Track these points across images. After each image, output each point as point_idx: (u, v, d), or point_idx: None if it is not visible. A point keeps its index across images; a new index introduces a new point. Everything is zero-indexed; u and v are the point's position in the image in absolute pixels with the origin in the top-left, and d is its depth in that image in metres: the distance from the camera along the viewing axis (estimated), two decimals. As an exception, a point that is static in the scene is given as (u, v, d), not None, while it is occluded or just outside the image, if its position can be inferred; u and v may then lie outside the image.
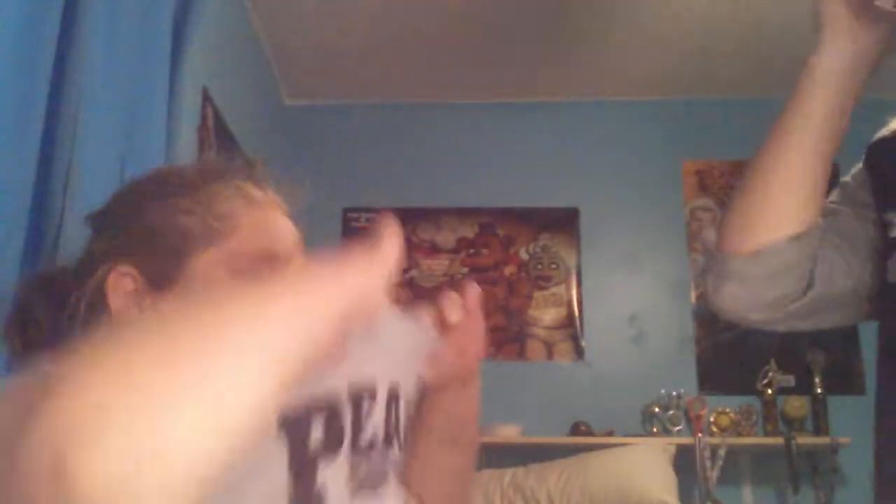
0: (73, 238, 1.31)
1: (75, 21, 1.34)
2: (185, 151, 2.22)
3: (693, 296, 3.51)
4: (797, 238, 0.93)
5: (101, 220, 0.85)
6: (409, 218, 3.65)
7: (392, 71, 3.56)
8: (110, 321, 0.76)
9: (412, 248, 3.62)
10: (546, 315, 3.54)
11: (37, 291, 0.81)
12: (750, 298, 0.97)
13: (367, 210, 3.66)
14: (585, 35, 3.28)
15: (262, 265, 0.79)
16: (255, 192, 0.84)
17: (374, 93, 3.71)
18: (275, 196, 0.85)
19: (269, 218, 0.83)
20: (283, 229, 0.83)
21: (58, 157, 1.31)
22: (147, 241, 0.78)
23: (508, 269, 3.61)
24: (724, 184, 3.62)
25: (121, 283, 0.77)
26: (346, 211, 3.65)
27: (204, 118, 2.52)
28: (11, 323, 0.80)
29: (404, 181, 3.68)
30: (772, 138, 0.95)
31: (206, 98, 2.54)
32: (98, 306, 0.77)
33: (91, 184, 1.35)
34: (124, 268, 0.77)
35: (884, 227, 0.93)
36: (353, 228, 3.64)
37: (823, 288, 0.96)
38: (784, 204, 0.93)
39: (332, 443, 0.74)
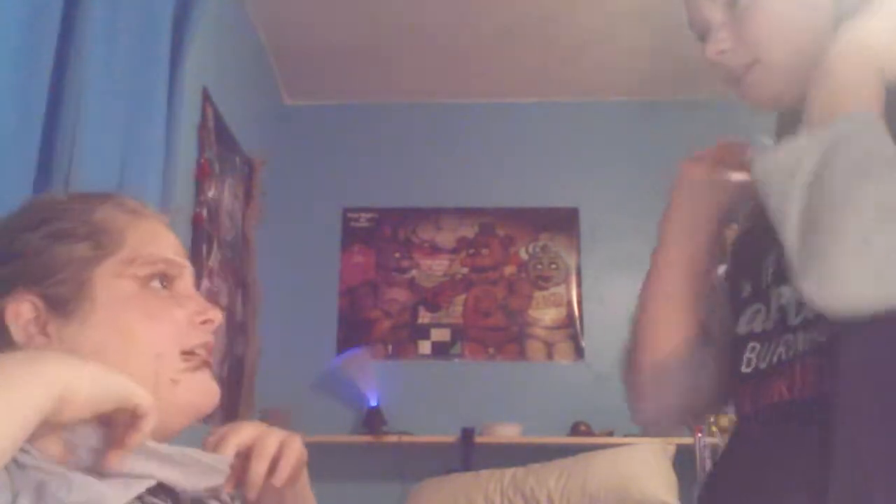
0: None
1: (75, 21, 1.34)
2: (185, 151, 2.22)
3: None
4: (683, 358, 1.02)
5: None
6: (409, 218, 3.65)
7: (392, 71, 3.56)
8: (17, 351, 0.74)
9: (412, 248, 3.62)
10: (546, 315, 3.54)
11: None
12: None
13: (367, 210, 3.66)
14: (586, 35, 3.28)
15: (160, 270, 0.80)
16: (135, 205, 0.84)
17: (374, 93, 3.71)
18: (154, 210, 0.86)
19: (154, 227, 0.84)
20: (168, 238, 0.84)
21: (58, 157, 1.31)
22: (38, 269, 0.77)
23: (508, 269, 3.61)
24: (724, 184, 3.62)
25: (20, 311, 0.75)
26: (346, 211, 3.65)
27: (204, 118, 2.52)
28: None
29: (404, 181, 3.68)
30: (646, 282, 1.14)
31: (206, 98, 2.54)
32: (2, 339, 0.74)
33: (91, 184, 1.35)
34: (22, 296, 0.75)
35: (738, 293, 1.01)
36: (353, 228, 3.64)
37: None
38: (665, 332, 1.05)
39: None
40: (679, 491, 2.95)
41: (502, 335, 3.51)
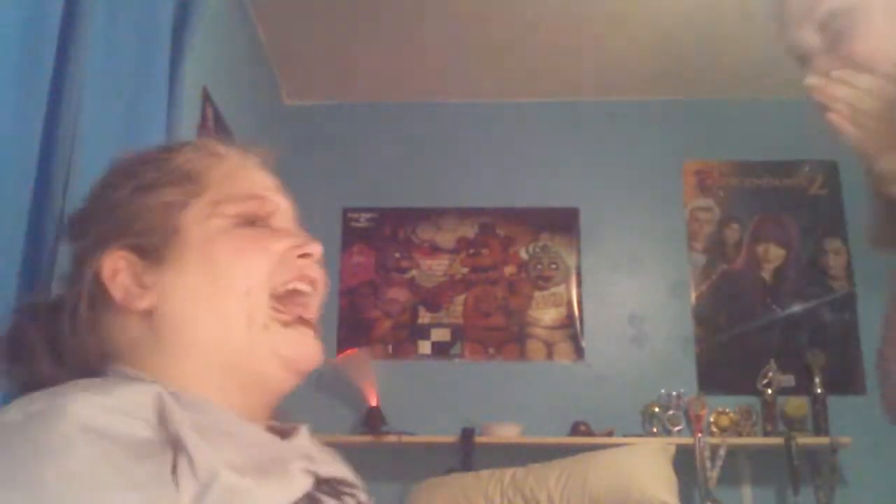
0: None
1: (75, 21, 1.34)
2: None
3: (693, 296, 3.51)
4: None
5: (80, 223, 0.83)
6: (409, 218, 3.65)
7: (391, 71, 3.56)
8: (118, 309, 0.74)
9: (412, 248, 3.62)
10: (546, 315, 3.54)
11: (29, 318, 0.77)
12: None
13: (367, 210, 3.66)
14: (586, 35, 3.28)
15: (250, 208, 0.78)
16: (221, 148, 0.83)
17: (374, 93, 3.71)
18: (244, 150, 0.84)
19: (240, 167, 0.82)
20: (257, 175, 0.83)
21: (58, 157, 1.31)
22: (128, 222, 0.76)
23: (508, 269, 3.61)
24: (725, 184, 3.63)
25: (116, 268, 0.75)
26: (346, 211, 3.65)
27: (204, 118, 2.52)
28: (3, 353, 0.76)
29: (404, 181, 3.68)
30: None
31: (206, 98, 2.54)
32: (100, 301, 0.74)
33: (91, 184, 1.35)
34: (115, 253, 0.75)
35: None
36: (353, 228, 3.64)
37: None
38: None
39: None
40: (679, 491, 2.95)
41: (502, 335, 3.51)
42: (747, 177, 3.62)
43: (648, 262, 3.57)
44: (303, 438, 0.79)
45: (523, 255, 3.62)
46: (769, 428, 3.27)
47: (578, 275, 3.58)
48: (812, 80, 0.97)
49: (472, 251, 3.63)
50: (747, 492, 3.26)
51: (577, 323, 3.53)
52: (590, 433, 3.23)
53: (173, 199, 0.76)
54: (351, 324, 3.51)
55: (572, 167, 3.67)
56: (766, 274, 3.51)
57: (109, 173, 0.83)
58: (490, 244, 3.64)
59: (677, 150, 3.64)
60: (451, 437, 3.20)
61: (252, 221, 0.78)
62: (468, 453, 3.17)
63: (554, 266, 3.61)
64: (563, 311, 3.55)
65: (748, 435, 3.25)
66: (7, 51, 1.18)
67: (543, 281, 3.59)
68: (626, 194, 3.62)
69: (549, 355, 3.50)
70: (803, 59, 1.01)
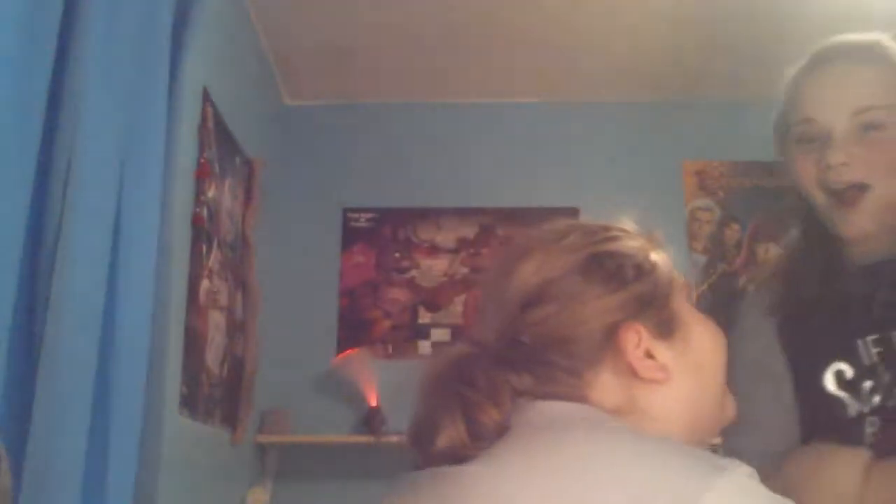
0: (74, 238, 1.31)
1: (75, 21, 1.34)
2: (185, 151, 2.22)
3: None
4: None
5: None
6: (409, 218, 3.65)
7: (392, 71, 3.56)
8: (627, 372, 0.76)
9: (412, 248, 3.62)
10: (546, 315, 3.54)
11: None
12: None
13: (367, 210, 3.66)
14: (586, 36, 3.28)
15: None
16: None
17: (374, 93, 3.71)
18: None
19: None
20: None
21: (58, 157, 1.31)
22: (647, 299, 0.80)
23: (508, 269, 3.60)
24: (724, 184, 3.63)
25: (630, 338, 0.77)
26: (346, 211, 3.65)
27: (204, 118, 2.52)
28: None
29: (404, 181, 3.68)
30: None
31: (206, 98, 2.54)
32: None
33: (91, 184, 1.35)
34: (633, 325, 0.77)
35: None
36: (353, 228, 3.64)
37: None
38: None
39: None
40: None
41: (502, 335, 3.51)
42: (747, 177, 3.62)
43: (648, 262, 3.56)
44: None
45: (523, 255, 3.62)
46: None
47: (578, 275, 3.58)
48: (835, 159, 1.01)
49: (472, 251, 3.63)
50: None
51: (577, 323, 3.52)
52: (590, 433, 3.22)
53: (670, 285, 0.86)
54: (351, 324, 3.51)
55: (572, 167, 3.67)
56: (766, 274, 3.52)
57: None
58: (490, 244, 3.64)
59: (677, 150, 3.64)
60: (451, 437, 3.19)
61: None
62: (468, 453, 3.17)
63: (554, 266, 3.60)
64: (563, 311, 3.54)
65: (748, 435, 3.24)
66: (7, 51, 1.18)
67: (543, 281, 3.58)
68: (626, 194, 3.61)
69: (549, 355, 3.49)
70: (819, 137, 1.04)
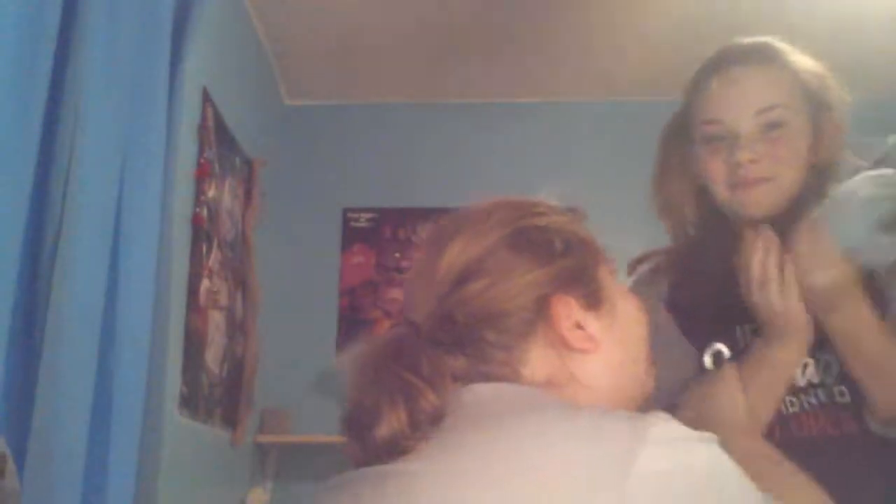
0: (74, 238, 1.31)
1: (75, 21, 1.34)
2: (185, 151, 2.22)
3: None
4: None
5: None
6: (409, 218, 3.65)
7: (392, 71, 3.56)
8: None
9: (412, 248, 3.62)
10: (546, 315, 3.54)
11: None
12: None
13: (367, 210, 3.66)
14: (586, 35, 3.28)
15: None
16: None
17: (374, 93, 3.71)
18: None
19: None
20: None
21: (58, 157, 1.31)
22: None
23: (508, 269, 3.60)
24: (724, 184, 3.62)
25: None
26: (346, 211, 3.65)
27: (204, 118, 2.52)
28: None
29: (404, 181, 3.68)
30: None
31: (206, 98, 2.54)
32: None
33: (91, 184, 1.35)
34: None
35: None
36: (353, 228, 3.64)
37: None
38: None
39: None
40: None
41: (502, 335, 3.51)
42: (747, 177, 3.62)
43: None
44: None
45: (523, 255, 3.62)
46: (769, 428, 3.26)
47: (578, 275, 3.58)
48: (744, 157, 1.13)
49: (472, 251, 3.63)
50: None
51: (577, 323, 3.52)
52: (590, 433, 3.22)
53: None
54: (351, 324, 3.51)
55: (572, 167, 3.67)
56: (766, 274, 3.51)
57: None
58: (490, 244, 3.63)
59: (677, 150, 3.63)
60: (451, 437, 3.19)
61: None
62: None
63: (554, 266, 3.60)
64: (563, 311, 3.54)
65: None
66: (7, 50, 1.18)
67: (543, 281, 3.58)
68: (627, 194, 3.60)
69: (549, 355, 3.49)
70: (725, 136, 1.16)
